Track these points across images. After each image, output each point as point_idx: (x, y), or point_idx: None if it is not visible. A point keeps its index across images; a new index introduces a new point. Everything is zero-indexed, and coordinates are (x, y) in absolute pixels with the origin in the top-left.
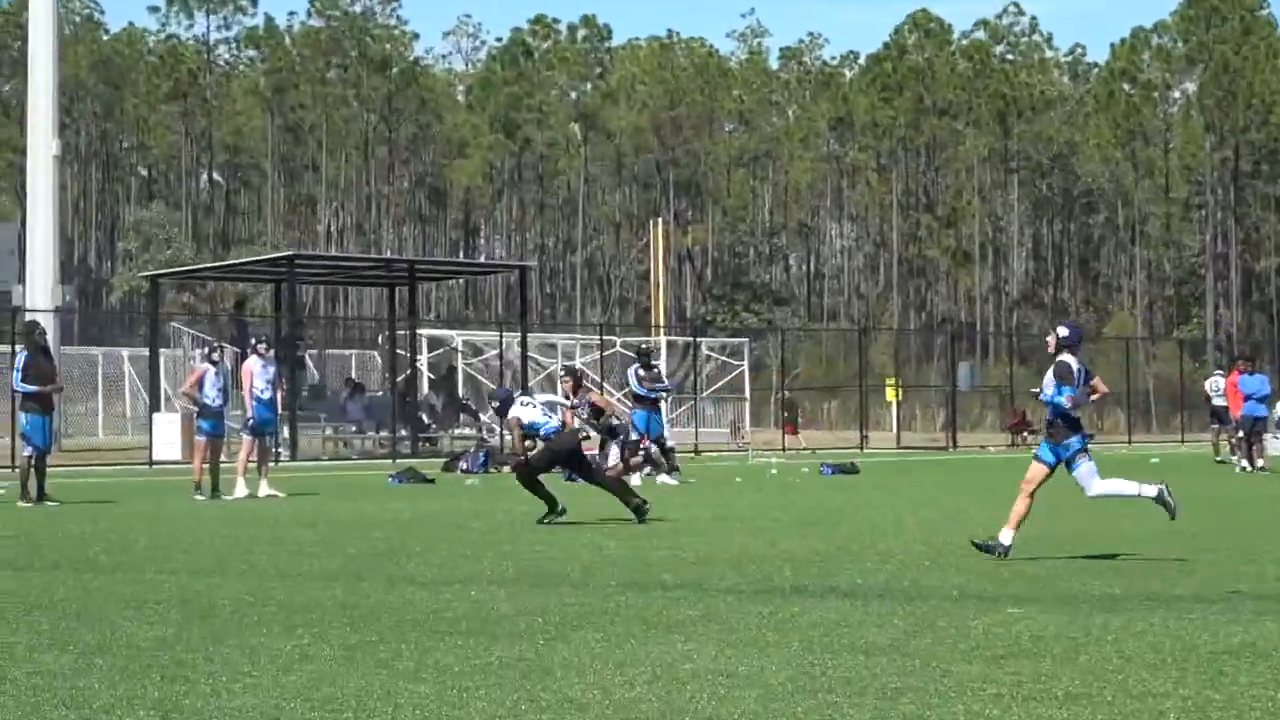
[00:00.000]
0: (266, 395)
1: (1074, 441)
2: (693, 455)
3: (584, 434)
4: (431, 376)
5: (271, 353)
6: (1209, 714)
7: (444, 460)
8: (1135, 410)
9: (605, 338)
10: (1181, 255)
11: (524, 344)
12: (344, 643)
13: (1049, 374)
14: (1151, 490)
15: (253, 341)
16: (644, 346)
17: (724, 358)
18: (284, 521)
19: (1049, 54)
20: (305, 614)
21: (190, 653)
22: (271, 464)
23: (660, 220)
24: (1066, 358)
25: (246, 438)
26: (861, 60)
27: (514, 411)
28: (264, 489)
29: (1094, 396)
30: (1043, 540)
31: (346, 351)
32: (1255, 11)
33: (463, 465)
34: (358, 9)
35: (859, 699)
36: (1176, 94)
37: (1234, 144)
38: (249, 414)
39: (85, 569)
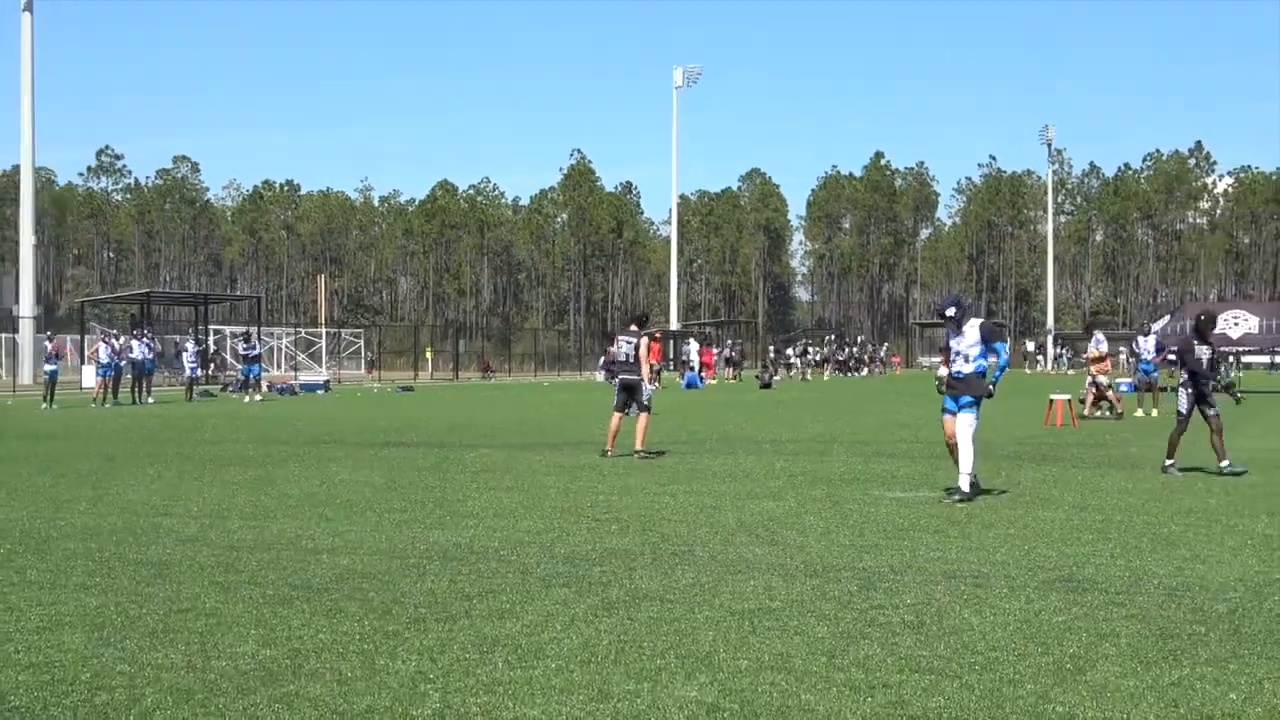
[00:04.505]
0: (137, 357)
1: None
2: (337, 382)
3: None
4: (214, 348)
5: (148, 336)
6: (570, 493)
7: (220, 386)
8: (538, 361)
9: (295, 329)
10: (560, 292)
11: (259, 332)
12: (178, 470)
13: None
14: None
15: (136, 331)
16: (246, 332)
17: (352, 338)
18: (140, 415)
19: (503, 200)
20: (158, 458)
21: (104, 477)
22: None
23: (323, 275)
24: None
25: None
26: (417, 201)
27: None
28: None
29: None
30: (495, 419)
31: (176, 336)
32: (595, 182)
33: (230, 388)
34: (179, 174)
35: (415, 491)
36: (559, 219)
37: (584, 243)
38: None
39: (54, 439)
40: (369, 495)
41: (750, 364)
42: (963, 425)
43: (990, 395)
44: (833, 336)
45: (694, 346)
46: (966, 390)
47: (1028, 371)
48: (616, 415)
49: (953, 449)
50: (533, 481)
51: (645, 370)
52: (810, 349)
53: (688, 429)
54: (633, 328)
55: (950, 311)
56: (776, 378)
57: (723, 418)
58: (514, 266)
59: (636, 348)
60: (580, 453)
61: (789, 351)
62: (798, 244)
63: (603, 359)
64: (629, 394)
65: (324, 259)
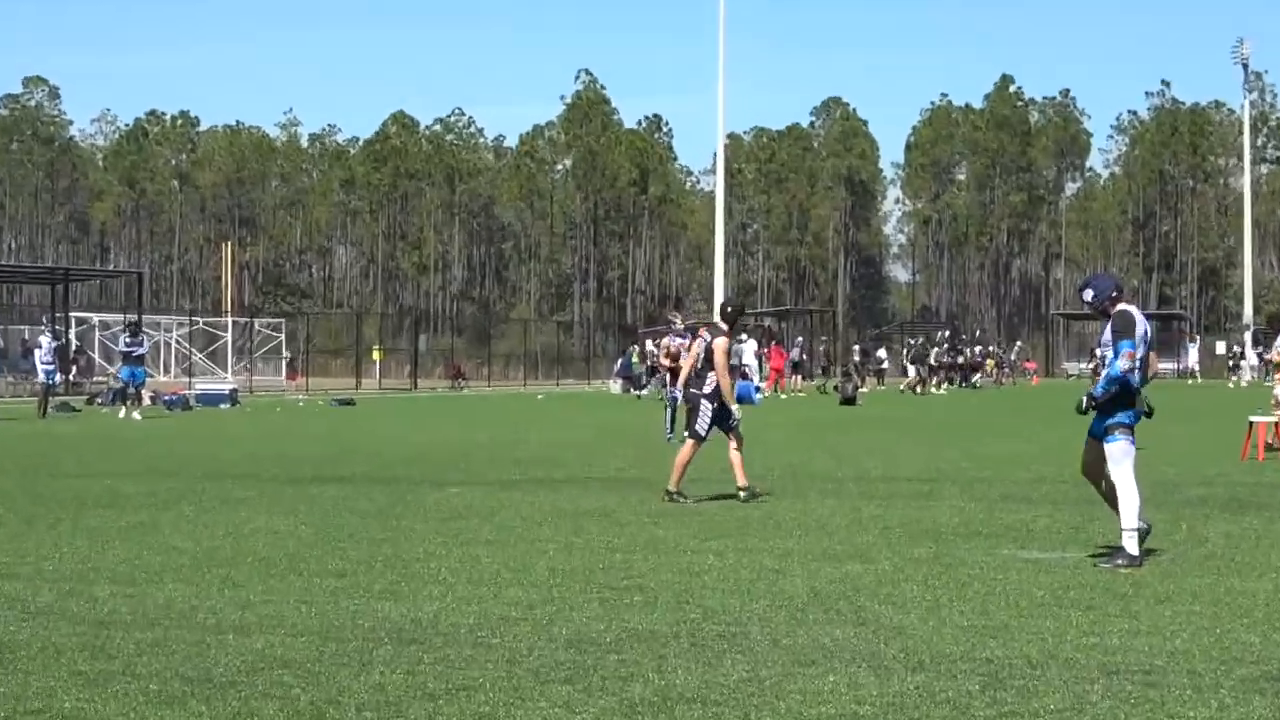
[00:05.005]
0: None
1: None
2: (248, 392)
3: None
4: (79, 343)
5: None
6: (573, 550)
7: (86, 398)
8: (528, 365)
9: (191, 318)
10: (560, 268)
11: (139, 322)
12: (25, 514)
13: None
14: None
15: None
16: (130, 321)
17: (269, 331)
18: None
19: (480, 140)
20: None
21: None
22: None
23: (228, 243)
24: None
25: None
26: (361, 142)
27: None
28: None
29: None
30: (470, 446)
31: (24, 327)
32: (610, 116)
33: (101, 400)
34: (32, 103)
35: (357, 545)
36: (560, 167)
37: (594, 200)
38: None
39: None
40: (293, 551)
41: (827, 368)
42: (1111, 456)
43: (1081, 410)
44: (944, 333)
45: (748, 345)
46: (1111, 405)
47: (1230, 384)
48: (691, 445)
49: (1097, 487)
50: (523, 533)
51: (724, 383)
52: (933, 350)
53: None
54: (720, 323)
55: (1088, 295)
56: (863, 389)
57: (788, 445)
58: (496, 233)
59: (709, 350)
60: (589, 492)
61: (880, 353)
62: (893, 203)
63: (620, 362)
64: (722, 413)
65: (231, 220)
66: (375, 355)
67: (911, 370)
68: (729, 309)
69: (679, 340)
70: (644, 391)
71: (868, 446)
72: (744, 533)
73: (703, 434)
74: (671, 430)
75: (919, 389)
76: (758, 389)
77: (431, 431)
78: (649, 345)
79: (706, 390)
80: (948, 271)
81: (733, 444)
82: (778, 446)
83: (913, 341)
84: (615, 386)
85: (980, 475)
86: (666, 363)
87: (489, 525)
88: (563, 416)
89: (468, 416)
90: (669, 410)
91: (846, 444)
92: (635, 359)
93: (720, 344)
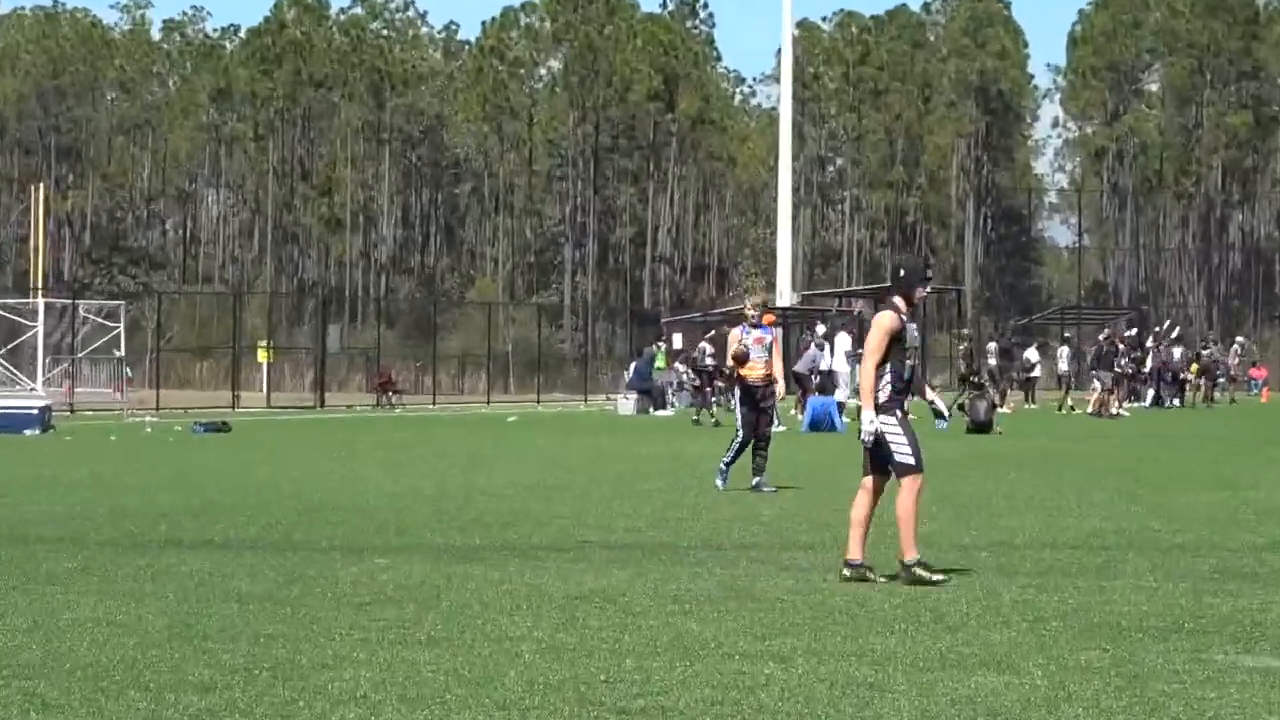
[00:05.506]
0: None
1: None
2: (69, 411)
3: None
4: None
5: None
6: (562, 653)
7: None
8: (495, 371)
9: None
10: (543, 225)
11: None
12: None
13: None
14: None
15: None
16: None
17: (101, 319)
18: None
19: (423, 30)
20: None
21: None
22: None
23: (41, 185)
24: None
25: None
26: (242, 33)
27: None
28: None
29: None
30: (406, 495)
31: None
32: None
33: None
34: None
35: (233, 644)
36: (543, 72)
37: (595, 122)
38: None
39: None
40: (134, 653)
41: (972, 379)
42: None
43: None
44: (1126, 324)
45: (840, 340)
46: None
47: None
48: (871, 481)
49: None
50: (484, 627)
51: (865, 380)
52: (1121, 349)
53: (813, 517)
54: (896, 301)
55: None
56: (1002, 408)
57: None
58: (447, 171)
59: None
60: (586, 565)
61: (1029, 354)
62: (1049, 128)
63: (633, 366)
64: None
65: (44, 152)
66: (262, 356)
67: (1103, 381)
68: (902, 270)
69: (756, 332)
70: (670, 411)
71: (1009, 496)
72: (821, 627)
73: (914, 462)
74: (726, 471)
75: (1103, 410)
76: (839, 408)
77: (347, 472)
78: (703, 343)
79: (881, 399)
80: (1132, 231)
81: (906, 484)
82: None
83: (1100, 339)
84: (627, 404)
85: (1179, 540)
86: (731, 367)
87: (433, 614)
88: (546, 449)
89: (402, 449)
90: (737, 441)
91: (977, 492)
92: (659, 362)
93: (885, 320)
